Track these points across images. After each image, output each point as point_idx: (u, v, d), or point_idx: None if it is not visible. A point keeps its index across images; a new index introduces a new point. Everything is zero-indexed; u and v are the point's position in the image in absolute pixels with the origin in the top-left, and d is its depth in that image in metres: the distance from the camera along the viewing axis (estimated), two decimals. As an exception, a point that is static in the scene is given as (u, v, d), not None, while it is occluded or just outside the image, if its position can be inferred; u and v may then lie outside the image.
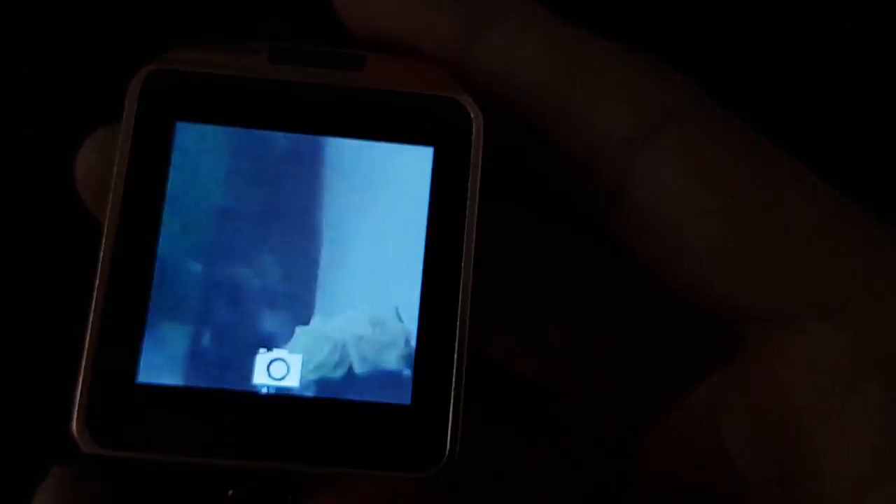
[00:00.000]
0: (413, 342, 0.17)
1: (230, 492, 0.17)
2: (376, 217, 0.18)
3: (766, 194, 0.18)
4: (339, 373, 0.17)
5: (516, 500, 0.20)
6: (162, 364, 0.17)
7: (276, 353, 0.17)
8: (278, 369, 0.17)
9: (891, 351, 0.17)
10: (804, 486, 0.18)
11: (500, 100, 0.19)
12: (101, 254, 0.17)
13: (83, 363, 0.17)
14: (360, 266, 0.18)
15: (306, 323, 0.17)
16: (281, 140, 0.18)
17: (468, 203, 0.18)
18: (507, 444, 0.21)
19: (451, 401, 0.17)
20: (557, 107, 0.19)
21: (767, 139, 0.19)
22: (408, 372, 0.17)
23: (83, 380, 0.17)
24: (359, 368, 0.17)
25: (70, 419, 0.17)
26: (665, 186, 0.18)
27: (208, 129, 0.18)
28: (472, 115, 0.18)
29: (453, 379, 0.17)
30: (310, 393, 0.17)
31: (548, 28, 0.19)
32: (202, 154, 0.18)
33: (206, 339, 0.17)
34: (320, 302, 0.18)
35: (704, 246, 0.18)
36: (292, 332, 0.17)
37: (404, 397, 0.17)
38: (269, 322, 0.17)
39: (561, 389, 0.21)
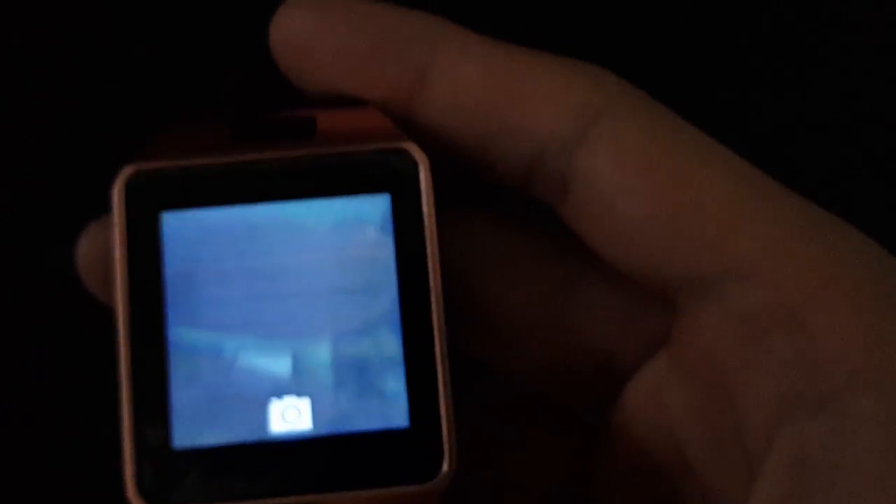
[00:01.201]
0: (402, 370, 0.20)
1: None
2: (353, 260, 0.20)
3: (682, 174, 0.20)
4: (344, 408, 0.20)
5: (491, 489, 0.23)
6: (191, 429, 0.20)
7: (286, 400, 0.20)
8: (291, 415, 0.20)
9: (793, 305, 0.19)
10: (730, 441, 0.20)
11: (452, 128, 0.21)
12: (120, 342, 0.20)
13: (125, 439, 0.19)
14: (345, 308, 0.20)
15: (309, 369, 0.20)
16: (257, 211, 0.20)
17: (427, 233, 0.20)
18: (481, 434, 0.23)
19: (443, 417, 0.20)
20: (502, 123, 0.21)
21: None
22: (402, 398, 0.20)
23: (128, 454, 0.19)
24: (360, 402, 0.20)
25: (124, 490, 0.19)
26: (599, 176, 0.21)
27: (189, 215, 0.20)
28: (417, 160, 0.20)
29: (441, 397, 0.20)
30: (322, 431, 0.20)
31: (483, 52, 0.21)
32: (188, 235, 0.20)
33: (224, 400, 0.20)
34: (318, 348, 0.20)
35: (634, 227, 0.21)
36: (298, 380, 0.20)
37: (402, 420, 0.20)
38: (276, 374, 0.20)
39: (527, 380, 0.23)
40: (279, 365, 0.20)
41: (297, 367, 0.20)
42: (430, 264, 0.20)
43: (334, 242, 0.20)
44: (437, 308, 0.20)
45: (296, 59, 0.22)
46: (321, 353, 0.20)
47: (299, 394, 0.20)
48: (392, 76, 0.21)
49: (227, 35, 0.30)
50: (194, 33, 0.30)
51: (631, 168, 0.20)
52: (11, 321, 0.32)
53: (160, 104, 0.29)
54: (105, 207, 0.20)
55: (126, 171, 0.20)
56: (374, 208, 0.20)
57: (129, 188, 0.20)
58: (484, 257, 0.23)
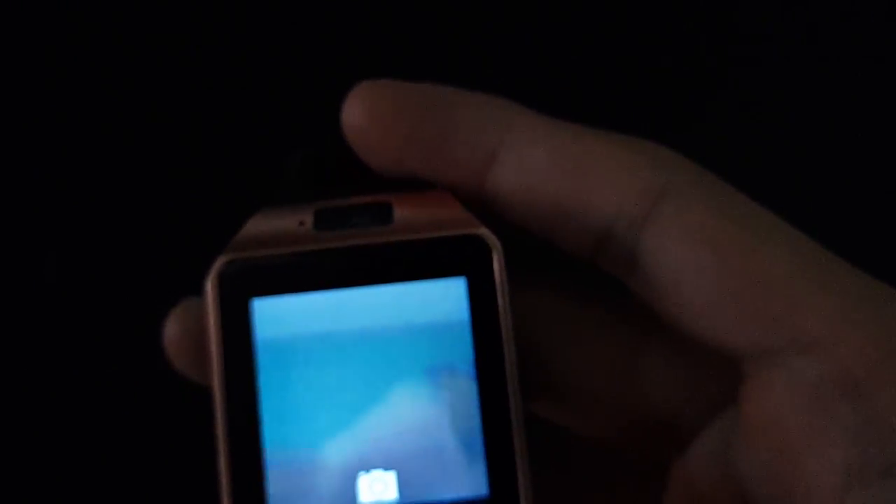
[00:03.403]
0: (481, 442, 0.21)
1: None
2: (433, 339, 0.22)
3: (748, 250, 0.22)
4: (427, 479, 0.21)
5: None
6: (286, 502, 0.21)
7: (374, 474, 0.21)
8: (378, 487, 0.21)
9: (857, 377, 0.21)
10: (800, 502, 0.22)
11: (521, 207, 0.23)
12: (218, 422, 0.21)
13: None
14: (427, 384, 0.22)
15: (394, 444, 0.21)
16: (341, 297, 0.22)
17: (500, 311, 0.22)
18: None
19: (521, 484, 0.21)
20: (570, 203, 0.22)
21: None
22: (482, 468, 0.21)
23: None
24: (441, 472, 0.21)
25: None
26: (666, 252, 0.22)
27: (278, 301, 0.22)
28: (490, 245, 0.22)
29: (518, 465, 0.21)
30: (407, 501, 0.21)
31: (550, 134, 0.23)
32: (277, 320, 0.22)
33: (317, 473, 0.21)
34: (402, 423, 0.21)
35: (701, 300, 0.22)
36: (384, 454, 0.21)
37: (482, 489, 0.21)
38: (364, 448, 0.21)
39: (597, 436, 0.25)
40: (366, 441, 0.21)
41: (383, 442, 0.21)
42: (504, 341, 0.21)
43: (415, 323, 0.22)
44: (513, 382, 0.21)
45: (368, 142, 0.23)
46: (405, 427, 0.21)
47: (385, 467, 0.21)
48: (463, 159, 0.23)
49: (297, 112, 0.31)
50: (261, 110, 0.32)
51: (698, 245, 0.22)
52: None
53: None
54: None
55: (219, 262, 0.21)
56: (451, 291, 0.22)
57: (222, 277, 0.21)
58: (554, 325, 0.24)
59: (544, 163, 0.22)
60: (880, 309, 0.21)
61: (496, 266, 0.22)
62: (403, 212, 0.23)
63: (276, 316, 0.22)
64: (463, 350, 0.22)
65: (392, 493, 0.21)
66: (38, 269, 0.37)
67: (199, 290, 0.22)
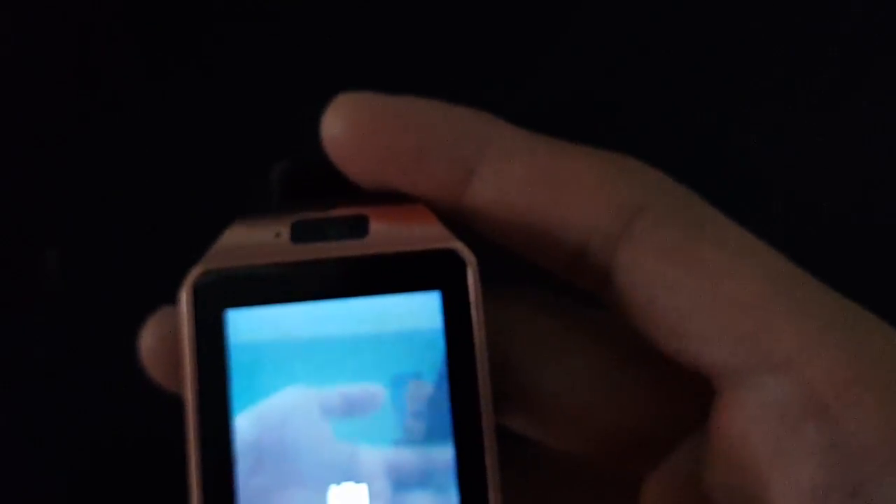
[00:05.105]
0: (452, 456, 0.21)
1: None
2: (406, 352, 0.22)
3: (721, 269, 0.22)
4: (399, 494, 0.21)
5: None
6: None
7: (345, 486, 0.21)
8: (350, 499, 0.21)
9: (825, 399, 0.21)
10: None
11: (498, 223, 0.23)
12: (189, 434, 0.21)
13: None
14: (399, 397, 0.22)
15: (366, 457, 0.21)
16: (315, 309, 0.22)
17: (474, 326, 0.22)
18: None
19: (491, 500, 0.21)
20: (546, 218, 0.22)
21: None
22: (452, 483, 0.21)
23: None
24: (413, 487, 0.21)
25: None
26: (640, 269, 0.22)
27: (252, 312, 0.22)
28: (465, 260, 0.22)
29: (489, 482, 0.21)
30: None
31: (528, 149, 0.23)
32: (251, 331, 0.22)
33: (287, 486, 0.21)
34: (373, 436, 0.21)
35: (674, 318, 0.22)
36: (356, 467, 0.21)
37: (453, 502, 0.21)
38: (336, 461, 0.21)
39: (568, 451, 0.25)
40: (338, 453, 0.21)
41: (355, 455, 0.21)
42: (478, 356, 0.22)
43: (388, 336, 0.22)
44: (486, 397, 0.21)
45: (346, 155, 0.23)
46: (376, 440, 0.21)
47: (357, 480, 0.21)
48: (441, 174, 0.23)
49: (284, 122, 0.32)
50: (244, 123, 0.32)
51: (672, 263, 0.22)
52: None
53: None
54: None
55: (194, 272, 0.22)
56: (425, 305, 0.22)
57: (196, 288, 0.22)
58: (529, 340, 0.24)
59: (521, 178, 0.22)
60: (851, 330, 0.21)
61: (471, 281, 0.22)
62: (379, 225, 0.23)
63: (250, 327, 0.22)
64: (436, 364, 0.22)
65: (363, 505, 0.21)
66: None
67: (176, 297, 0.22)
